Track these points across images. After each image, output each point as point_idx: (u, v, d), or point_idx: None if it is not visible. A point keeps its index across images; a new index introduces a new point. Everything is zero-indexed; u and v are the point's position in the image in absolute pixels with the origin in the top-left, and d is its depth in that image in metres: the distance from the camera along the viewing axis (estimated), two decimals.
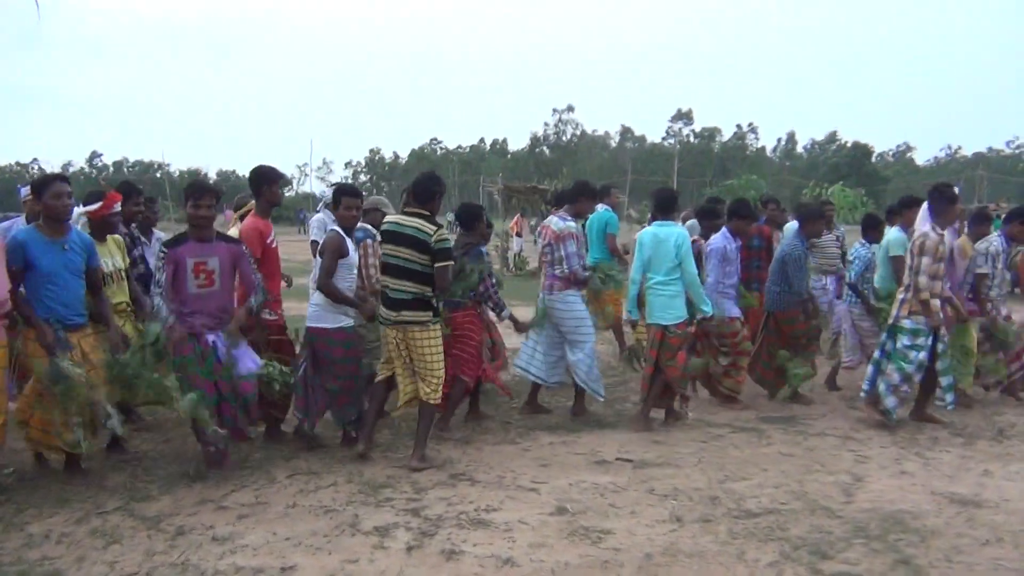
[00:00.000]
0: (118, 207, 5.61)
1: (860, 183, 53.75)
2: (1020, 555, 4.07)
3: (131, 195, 6.19)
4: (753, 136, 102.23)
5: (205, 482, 5.08)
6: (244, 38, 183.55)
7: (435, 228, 5.37)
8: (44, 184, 5.02)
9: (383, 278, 5.53)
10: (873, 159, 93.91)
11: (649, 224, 6.84)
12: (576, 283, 6.58)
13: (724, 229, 7.10)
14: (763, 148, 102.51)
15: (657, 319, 6.37)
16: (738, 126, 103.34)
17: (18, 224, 6.08)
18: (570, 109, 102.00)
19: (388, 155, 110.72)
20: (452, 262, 5.49)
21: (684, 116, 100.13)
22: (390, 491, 4.96)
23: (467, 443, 5.99)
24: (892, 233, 7.34)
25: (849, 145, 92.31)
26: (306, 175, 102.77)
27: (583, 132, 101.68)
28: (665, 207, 6.55)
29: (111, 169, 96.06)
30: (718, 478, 5.22)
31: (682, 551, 4.06)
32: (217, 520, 4.48)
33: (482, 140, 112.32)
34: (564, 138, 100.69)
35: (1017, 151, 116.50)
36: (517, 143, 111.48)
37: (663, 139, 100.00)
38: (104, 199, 5.52)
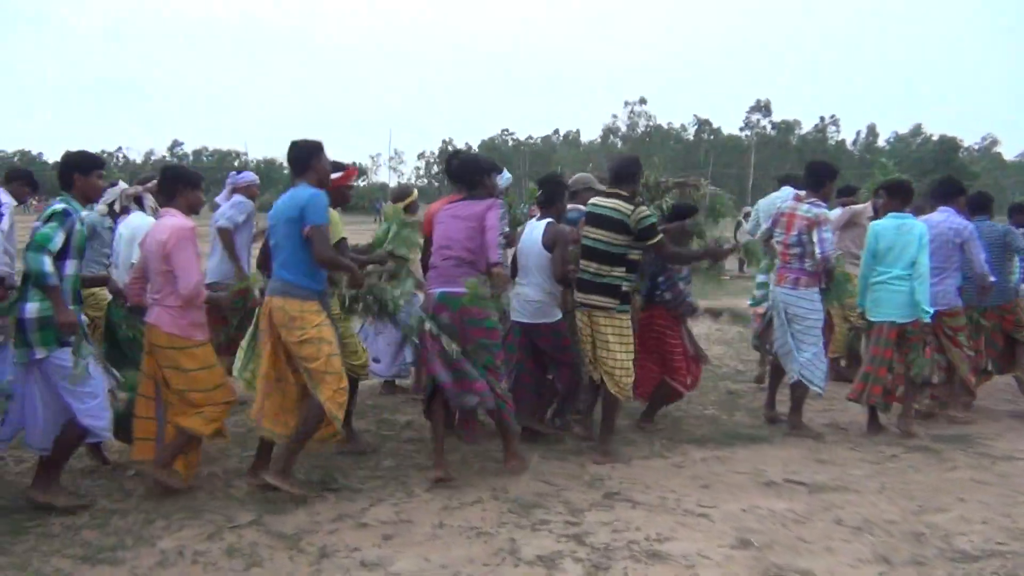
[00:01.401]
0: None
1: None
2: None
3: None
4: (834, 128, 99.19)
5: (338, 493, 4.68)
6: (323, 29, 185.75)
7: (632, 207, 5.17)
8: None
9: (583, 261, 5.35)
10: (960, 154, 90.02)
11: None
12: (826, 274, 5.93)
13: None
14: (843, 141, 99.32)
15: (893, 316, 5.93)
16: (821, 118, 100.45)
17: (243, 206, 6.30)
18: (642, 101, 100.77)
19: (461, 145, 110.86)
20: (660, 236, 5.27)
21: (762, 108, 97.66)
22: (543, 512, 4.46)
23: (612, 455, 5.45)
24: None
25: (935, 139, 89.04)
26: (379, 165, 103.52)
27: (655, 124, 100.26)
28: (906, 198, 6.15)
29: (191, 157, 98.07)
30: (911, 509, 4.59)
31: None
32: (361, 541, 4.04)
33: (556, 131, 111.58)
34: (637, 131, 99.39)
35: None
36: (588, 135, 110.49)
37: (740, 130, 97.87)
38: (345, 170, 5.33)
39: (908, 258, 5.89)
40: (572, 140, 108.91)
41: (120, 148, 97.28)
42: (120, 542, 3.97)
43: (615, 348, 5.24)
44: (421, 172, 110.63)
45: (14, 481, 4.80)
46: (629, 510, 4.52)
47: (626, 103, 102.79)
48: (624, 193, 5.27)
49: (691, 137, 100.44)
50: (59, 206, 4.33)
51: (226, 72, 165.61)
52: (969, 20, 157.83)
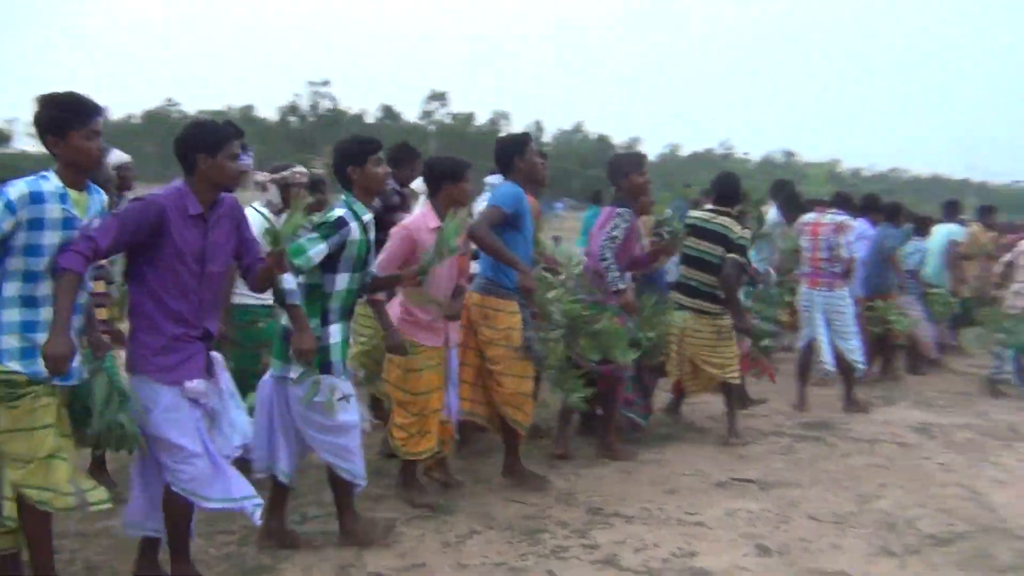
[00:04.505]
0: None
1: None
2: None
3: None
4: (506, 122, 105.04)
5: (321, 539, 4.01)
6: None
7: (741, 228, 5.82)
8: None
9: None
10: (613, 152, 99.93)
11: None
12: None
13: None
14: None
15: None
16: (493, 112, 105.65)
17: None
18: (325, 83, 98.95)
19: (119, 115, 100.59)
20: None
21: (439, 97, 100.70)
22: (549, 536, 4.19)
23: (554, 468, 5.26)
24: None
25: (594, 137, 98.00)
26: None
27: (337, 107, 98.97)
28: None
29: None
30: (854, 498, 4.95)
31: None
32: None
33: (229, 107, 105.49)
34: (319, 111, 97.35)
35: (728, 151, 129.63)
36: (264, 112, 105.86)
37: (419, 119, 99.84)
38: None
39: None
40: (248, 116, 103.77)
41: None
42: None
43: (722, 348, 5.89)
44: None
45: None
46: (628, 525, 4.39)
47: (309, 83, 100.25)
48: (731, 211, 5.86)
49: (373, 122, 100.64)
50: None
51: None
52: (616, 27, 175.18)
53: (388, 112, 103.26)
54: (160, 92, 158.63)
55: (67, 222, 3.00)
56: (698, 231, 5.86)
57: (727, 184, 5.98)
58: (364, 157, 3.82)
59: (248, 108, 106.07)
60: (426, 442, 4.40)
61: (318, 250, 3.61)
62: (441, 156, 4.57)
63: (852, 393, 7.16)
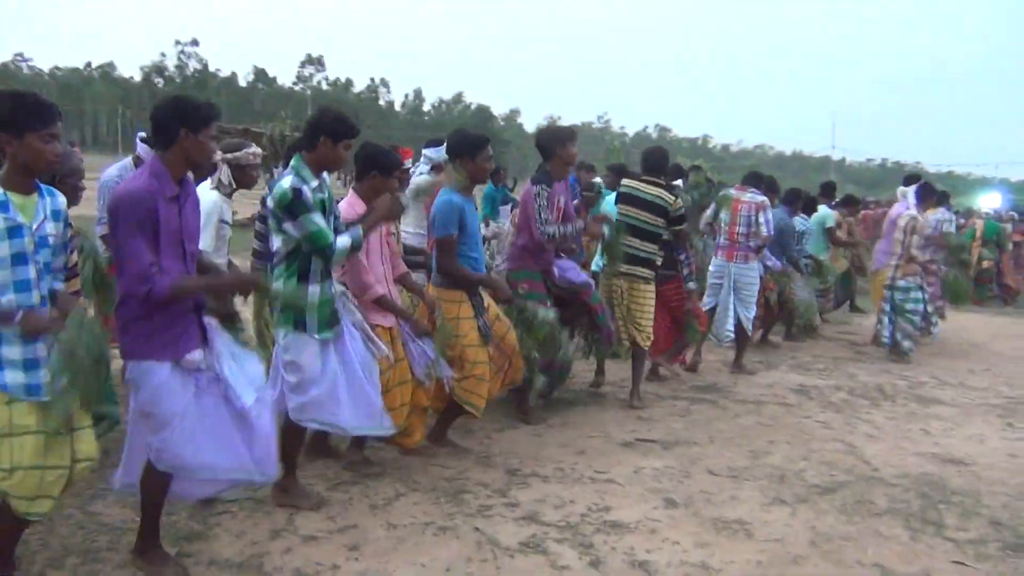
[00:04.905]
0: None
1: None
2: None
3: None
4: (385, 90, 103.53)
5: (242, 508, 4.06)
6: None
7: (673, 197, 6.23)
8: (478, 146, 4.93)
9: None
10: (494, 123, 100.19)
11: None
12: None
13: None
14: (392, 103, 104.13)
15: None
16: (371, 79, 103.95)
17: None
18: (195, 43, 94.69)
19: None
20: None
21: (316, 62, 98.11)
22: (472, 496, 4.39)
23: (469, 432, 5.45)
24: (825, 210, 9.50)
25: (474, 107, 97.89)
26: None
27: (207, 68, 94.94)
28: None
29: None
30: (747, 454, 5.37)
31: (837, 536, 4.13)
32: (332, 556, 3.64)
33: (89, 64, 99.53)
34: (187, 72, 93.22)
35: (605, 124, 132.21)
36: (126, 70, 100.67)
37: (293, 84, 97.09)
38: None
39: None
40: (109, 76, 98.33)
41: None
42: None
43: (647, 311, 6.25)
44: None
45: None
46: (545, 484, 4.63)
47: (177, 42, 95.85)
48: (661, 182, 6.24)
49: (245, 85, 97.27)
50: None
51: None
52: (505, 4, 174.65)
53: (261, 75, 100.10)
54: (9, 46, 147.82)
55: (12, 231, 2.83)
56: (633, 199, 6.21)
57: (656, 157, 6.37)
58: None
59: (108, 66, 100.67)
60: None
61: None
62: (376, 144, 4.62)
63: (742, 359, 7.66)
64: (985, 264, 14.24)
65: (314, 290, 3.90)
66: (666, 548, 3.91)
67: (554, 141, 5.55)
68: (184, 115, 3.11)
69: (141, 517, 3.42)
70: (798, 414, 6.43)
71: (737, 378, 7.53)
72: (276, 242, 3.91)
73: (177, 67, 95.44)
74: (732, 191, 7.61)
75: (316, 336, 3.90)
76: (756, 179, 7.74)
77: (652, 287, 6.26)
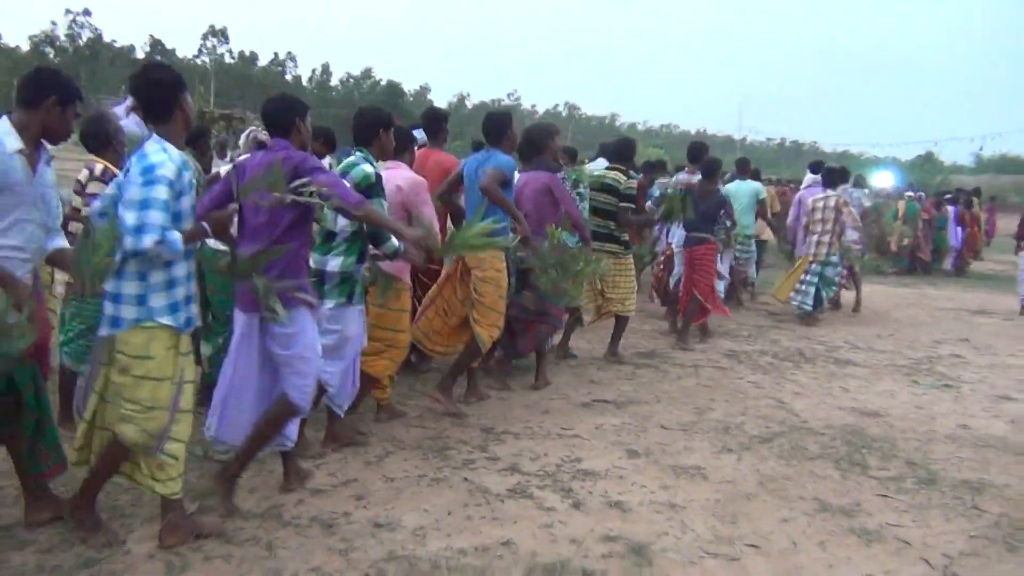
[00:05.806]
0: None
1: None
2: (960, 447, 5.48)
3: None
4: (292, 64, 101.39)
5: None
6: None
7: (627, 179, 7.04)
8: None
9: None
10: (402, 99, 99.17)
11: None
12: None
13: None
14: (300, 77, 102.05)
15: None
16: (275, 54, 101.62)
17: None
18: (86, 12, 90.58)
19: None
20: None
21: (219, 34, 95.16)
22: (455, 452, 4.81)
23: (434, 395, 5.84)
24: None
25: (384, 83, 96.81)
26: None
27: (100, 39, 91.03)
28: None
29: None
30: (692, 411, 5.93)
31: (779, 477, 4.72)
32: (343, 505, 4.00)
33: None
34: (79, 42, 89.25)
35: (515, 102, 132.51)
36: (13, 40, 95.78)
37: (195, 57, 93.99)
38: None
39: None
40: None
41: None
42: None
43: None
44: None
45: None
46: (519, 441, 5.09)
47: (67, 11, 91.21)
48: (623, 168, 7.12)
49: (142, 56, 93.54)
50: None
51: None
52: None
53: (159, 47, 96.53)
54: None
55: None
56: (598, 185, 7.07)
57: (624, 148, 7.36)
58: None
59: None
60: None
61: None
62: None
63: (687, 328, 8.33)
64: (906, 241, 15.83)
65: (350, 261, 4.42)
66: (636, 491, 4.41)
67: (546, 136, 6.20)
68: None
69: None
70: (732, 376, 7.06)
71: (674, 345, 8.13)
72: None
73: (68, 36, 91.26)
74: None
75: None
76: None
77: (625, 260, 7.20)
